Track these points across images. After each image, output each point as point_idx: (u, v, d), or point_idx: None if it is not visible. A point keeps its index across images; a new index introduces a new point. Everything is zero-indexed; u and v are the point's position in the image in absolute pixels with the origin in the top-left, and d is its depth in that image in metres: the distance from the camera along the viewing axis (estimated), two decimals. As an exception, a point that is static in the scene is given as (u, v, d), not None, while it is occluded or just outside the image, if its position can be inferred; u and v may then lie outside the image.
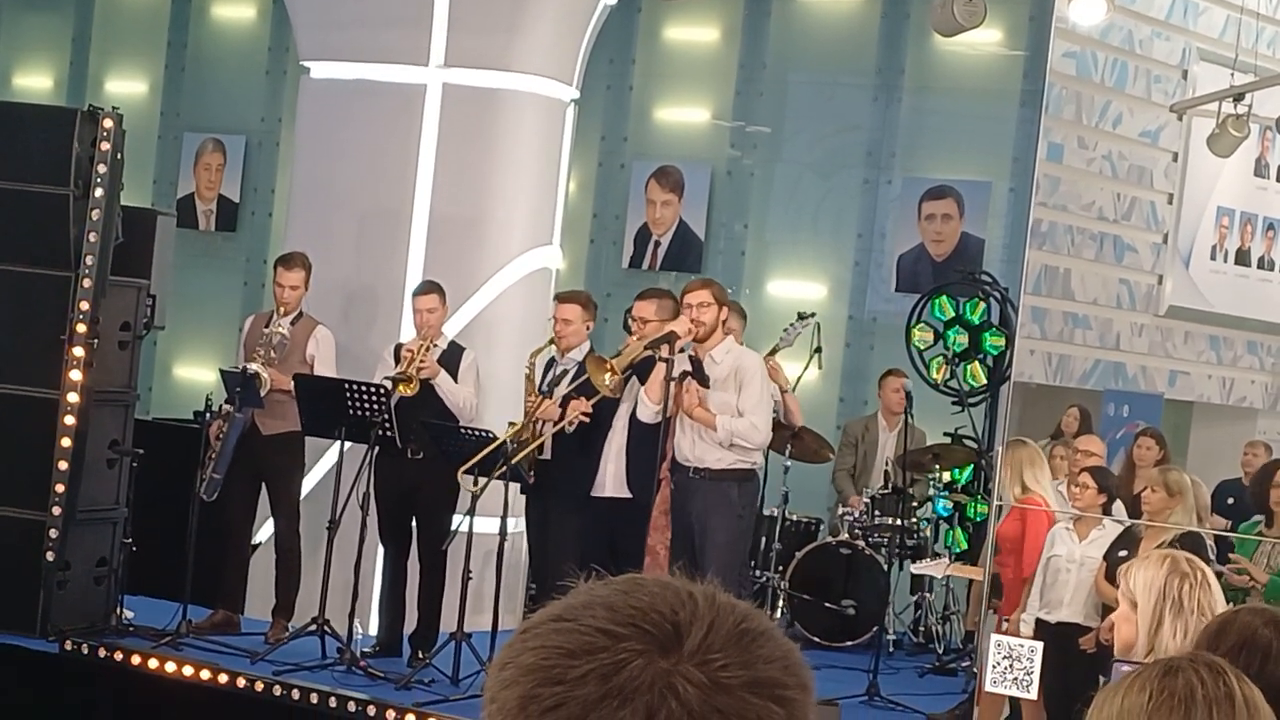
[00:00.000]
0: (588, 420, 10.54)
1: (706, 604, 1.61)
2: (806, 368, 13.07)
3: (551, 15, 12.34)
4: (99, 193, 11.10)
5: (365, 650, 11.03)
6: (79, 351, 11.10)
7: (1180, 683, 3.34)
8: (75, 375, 11.11)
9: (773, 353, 11.98)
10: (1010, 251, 14.19)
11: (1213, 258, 11.36)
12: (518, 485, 10.69)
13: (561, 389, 10.73)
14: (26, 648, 11.03)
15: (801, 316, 12.68)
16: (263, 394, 11.13)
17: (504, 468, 10.29)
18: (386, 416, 10.77)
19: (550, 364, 11.02)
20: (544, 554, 10.93)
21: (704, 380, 10.16)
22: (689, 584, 1.64)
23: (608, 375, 10.10)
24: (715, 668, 1.57)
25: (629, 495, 10.47)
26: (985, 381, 13.43)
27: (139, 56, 17.73)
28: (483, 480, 10.28)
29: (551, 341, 11.03)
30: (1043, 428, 12.09)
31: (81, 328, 11.10)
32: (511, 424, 10.73)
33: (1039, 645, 8.95)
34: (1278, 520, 9.83)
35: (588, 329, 11.12)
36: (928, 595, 12.72)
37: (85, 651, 10.93)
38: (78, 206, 11.10)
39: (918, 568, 12.28)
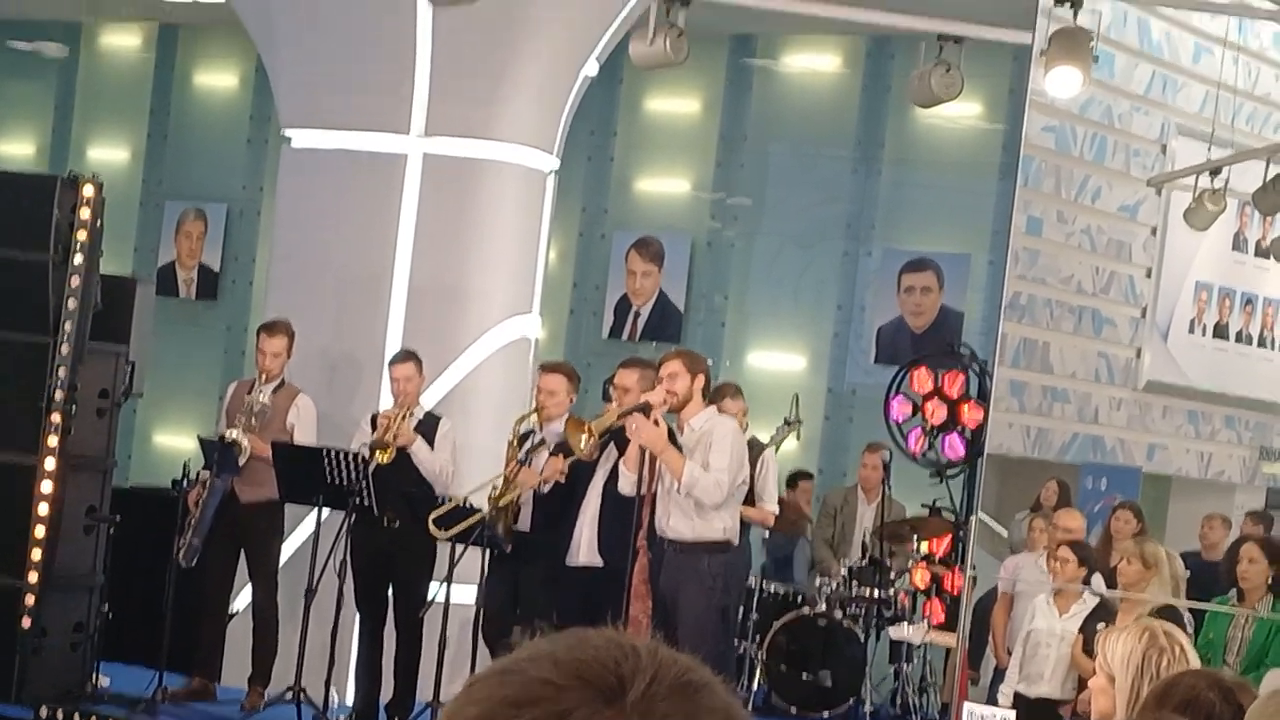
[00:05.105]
0: (563, 480, 10.52)
1: (649, 657, 1.62)
2: (784, 440, 13.06)
3: (532, 85, 12.38)
4: (78, 259, 11.09)
5: (342, 718, 10.97)
6: (57, 418, 11.07)
7: None
8: (53, 441, 11.07)
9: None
10: (989, 324, 14.19)
11: (1191, 331, 11.40)
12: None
13: (540, 459, 10.71)
14: (2, 714, 10.96)
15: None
16: (241, 461, 11.12)
17: (482, 530, 10.26)
18: (364, 484, 10.75)
19: (528, 435, 10.98)
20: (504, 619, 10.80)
21: (678, 449, 10.17)
22: (633, 638, 1.65)
23: (584, 437, 10.09)
24: (658, 717, 1.58)
25: (601, 564, 10.45)
26: (964, 455, 13.45)
27: (121, 124, 17.78)
28: (452, 531, 10.27)
29: (535, 411, 11.00)
30: (1021, 500, 12.12)
31: (60, 394, 11.07)
32: (494, 490, 10.67)
33: (1011, 714, 8.93)
34: (1249, 595, 9.83)
35: (570, 401, 11.09)
36: (905, 666, 12.70)
37: (61, 719, 10.87)
38: (57, 273, 11.09)
39: (895, 631, 12.25)
